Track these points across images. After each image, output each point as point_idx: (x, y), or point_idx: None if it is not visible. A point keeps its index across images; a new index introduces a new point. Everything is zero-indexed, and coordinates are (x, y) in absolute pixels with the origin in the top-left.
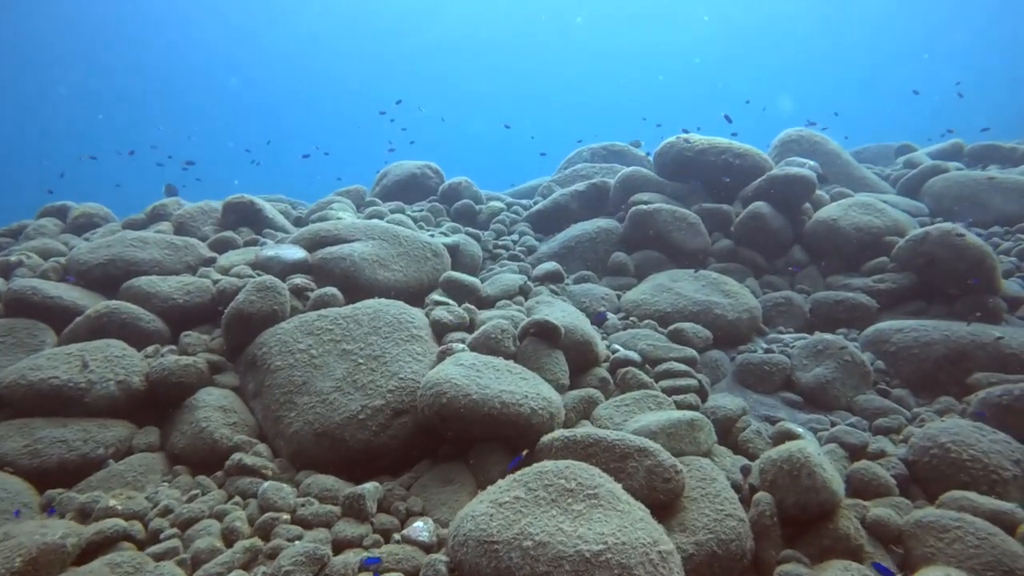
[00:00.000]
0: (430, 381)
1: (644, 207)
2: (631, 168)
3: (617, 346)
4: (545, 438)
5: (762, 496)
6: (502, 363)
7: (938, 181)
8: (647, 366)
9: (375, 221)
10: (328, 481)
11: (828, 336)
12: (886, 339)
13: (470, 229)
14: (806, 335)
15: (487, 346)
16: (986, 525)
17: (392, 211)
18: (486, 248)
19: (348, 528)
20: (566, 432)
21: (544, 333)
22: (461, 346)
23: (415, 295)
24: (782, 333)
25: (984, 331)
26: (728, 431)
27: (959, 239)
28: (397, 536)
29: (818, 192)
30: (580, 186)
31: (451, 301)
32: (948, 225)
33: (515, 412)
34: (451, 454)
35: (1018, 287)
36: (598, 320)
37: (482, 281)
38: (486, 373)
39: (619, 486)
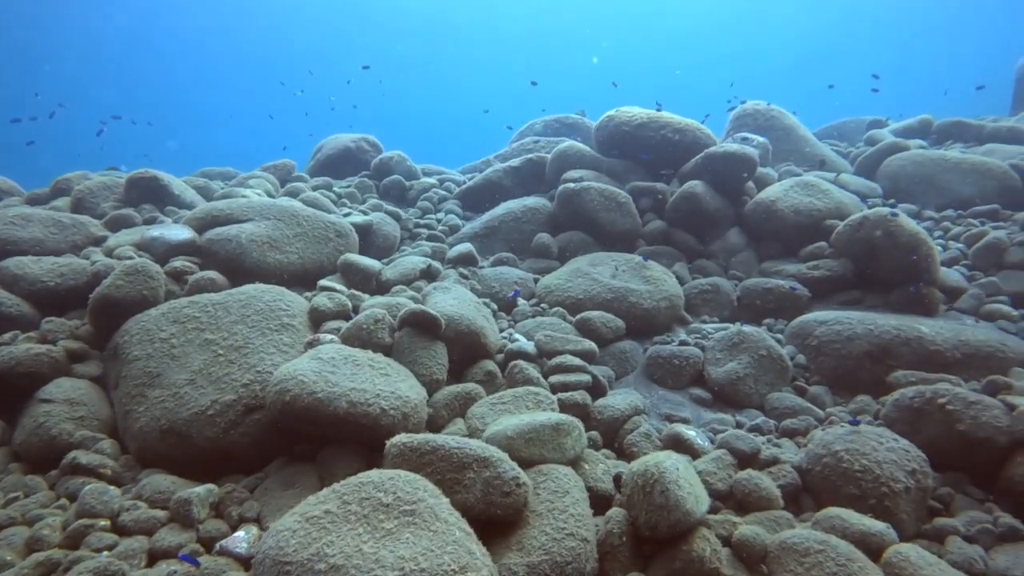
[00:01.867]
0: (277, 377)
1: (571, 185)
2: (566, 143)
3: (519, 336)
4: (387, 443)
5: (614, 513)
6: (365, 357)
7: (894, 161)
8: (543, 359)
9: (275, 200)
10: (165, 482)
11: (747, 328)
12: (809, 332)
13: (389, 207)
14: (729, 325)
15: (359, 337)
16: (849, 550)
17: (316, 187)
18: (406, 227)
19: (170, 536)
20: (403, 438)
21: (422, 323)
22: (330, 337)
23: (314, 279)
24: (705, 323)
25: (910, 325)
26: (615, 433)
27: (893, 224)
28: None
29: (764, 171)
30: (515, 162)
31: (339, 287)
32: (885, 209)
33: (362, 412)
34: (307, 453)
35: (959, 276)
36: (509, 304)
37: (392, 263)
38: (342, 369)
39: (446, 501)
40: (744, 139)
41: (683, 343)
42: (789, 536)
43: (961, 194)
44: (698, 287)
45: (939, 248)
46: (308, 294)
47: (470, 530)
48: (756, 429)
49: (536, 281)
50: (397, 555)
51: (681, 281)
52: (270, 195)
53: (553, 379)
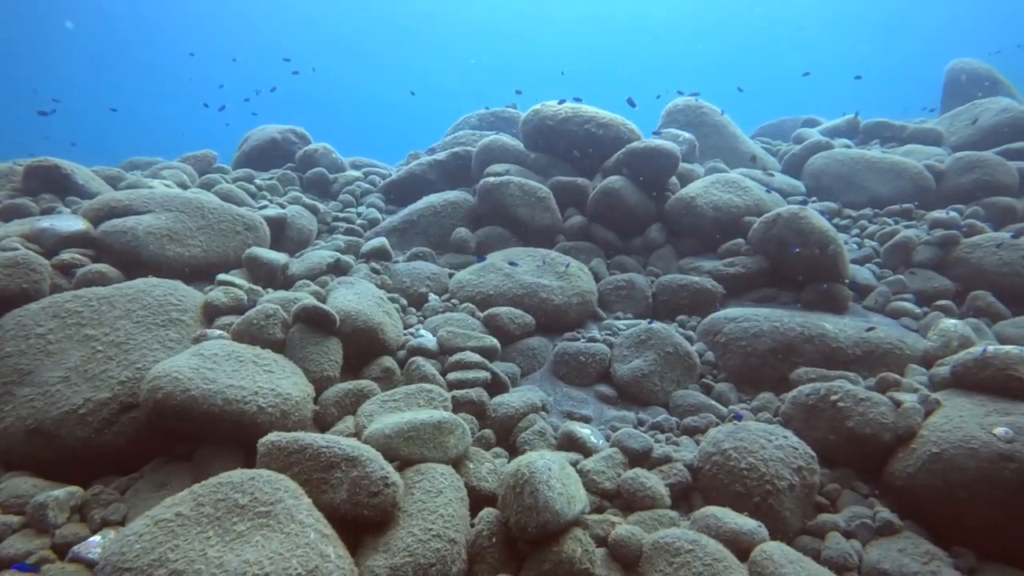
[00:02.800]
0: (152, 374)
1: (491, 180)
2: (491, 136)
3: (424, 332)
4: (259, 443)
5: (485, 514)
6: (251, 353)
7: (818, 159)
8: (444, 356)
9: (180, 191)
10: (25, 486)
11: (655, 325)
12: (718, 329)
13: (308, 200)
14: (642, 322)
15: (249, 333)
16: (717, 548)
17: (236, 179)
18: (324, 221)
19: (20, 543)
20: (273, 437)
21: (314, 319)
22: (219, 333)
23: (220, 273)
24: (619, 319)
25: (815, 323)
26: (509, 431)
27: (803, 222)
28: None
29: (689, 167)
30: (441, 155)
31: (239, 281)
32: (797, 207)
33: (237, 410)
34: (186, 453)
35: (869, 274)
36: (420, 299)
37: (301, 258)
38: (223, 365)
39: (306, 502)
40: (672, 135)
41: (592, 340)
42: (662, 536)
43: (879, 193)
44: (613, 283)
45: (854, 246)
46: (208, 288)
47: (329, 532)
48: (657, 427)
49: (451, 276)
50: (243, 559)
51: (598, 277)
52: (184, 186)
53: (451, 376)
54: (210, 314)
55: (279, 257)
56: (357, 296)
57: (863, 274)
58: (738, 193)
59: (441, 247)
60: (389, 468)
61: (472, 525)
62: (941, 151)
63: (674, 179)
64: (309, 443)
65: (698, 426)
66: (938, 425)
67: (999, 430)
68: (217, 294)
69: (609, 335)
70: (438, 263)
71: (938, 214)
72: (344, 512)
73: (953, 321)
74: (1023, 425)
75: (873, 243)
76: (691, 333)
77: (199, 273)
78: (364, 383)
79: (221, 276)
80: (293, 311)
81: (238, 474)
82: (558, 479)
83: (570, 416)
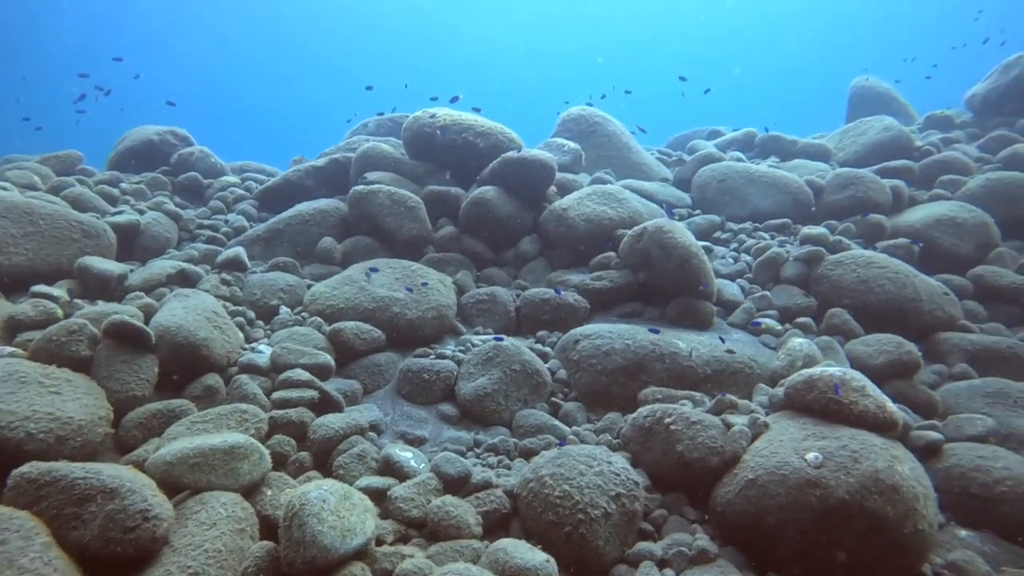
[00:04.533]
0: None
1: (360, 188)
2: (370, 143)
3: (262, 348)
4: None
5: (257, 548)
6: (38, 373)
7: (705, 172)
8: (275, 373)
9: (3, 195)
10: None
11: (505, 341)
12: (572, 346)
13: (170, 206)
14: (500, 337)
15: (47, 351)
16: None
17: (100, 182)
18: (187, 228)
19: None
20: (25, 468)
21: (124, 335)
22: (9, 351)
23: (51, 283)
24: (479, 334)
25: (668, 341)
26: (328, 454)
27: (667, 236)
28: None
29: (573, 177)
30: (320, 161)
31: (57, 292)
32: (662, 221)
33: (1, 437)
34: None
35: (736, 289)
36: (270, 312)
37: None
38: (1, 386)
39: (41, 542)
40: (557, 145)
41: (441, 356)
42: (446, 571)
43: (760, 207)
44: (475, 297)
45: (731, 260)
46: (21, 300)
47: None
48: (492, 449)
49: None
50: None
51: (464, 290)
52: (32, 188)
53: (276, 395)
54: (12, 329)
55: (114, 267)
56: (185, 310)
57: (730, 289)
58: (613, 205)
59: (308, 257)
60: (154, 500)
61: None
62: (826, 167)
63: (554, 190)
64: (64, 474)
65: (535, 448)
66: (759, 450)
67: (810, 455)
68: (24, 307)
69: (462, 351)
70: (301, 274)
71: (808, 230)
72: (95, 550)
73: (800, 340)
74: (833, 451)
75: (748, 258)
76: (548, 350)
77: (22, 282)
78: (177, 403)
79: (36, 288)
80: (102, 327)
81: None
82: (333, 511)
83: (403, 437)
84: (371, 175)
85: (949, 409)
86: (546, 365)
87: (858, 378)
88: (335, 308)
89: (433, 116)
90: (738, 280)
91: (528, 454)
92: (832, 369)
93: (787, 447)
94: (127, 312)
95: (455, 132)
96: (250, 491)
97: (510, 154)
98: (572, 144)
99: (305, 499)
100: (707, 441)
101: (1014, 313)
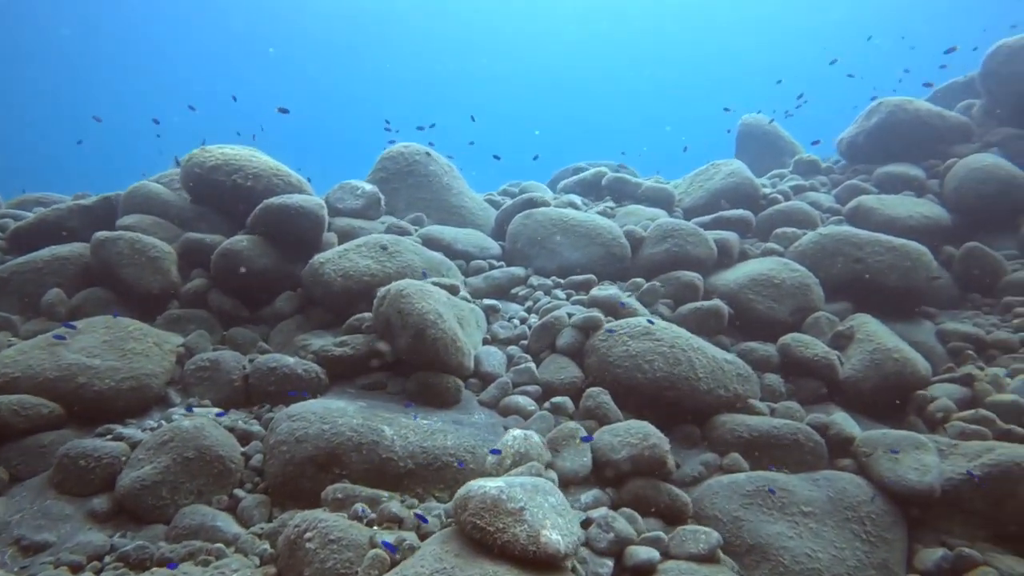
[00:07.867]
0: None
1: (100, 234)
2: (138, 184)
3: None
4: None
5: None
6: None
7: (517, 220)
8: None
9: None
10: None
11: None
12: (274, 428)
13: None
14: (222, 411)
15: None
16: None
17: None
18: None
19: None
20: None
21: None
22: None
23: None
24: (192, 407)
25: (373, 427)
26: None
27: (404, 302)
28: None
29: (362, 225)
30: (88, 200)
31: None
32: (405, 283)
33: None
34: None
35: (500, 360)
36: None
37: None
38: None
39: None
40: (351, 188)
41: (118, 437)
42: None
43: (569, 260)
44: (196, 363)
45: (517, 322)
46: None
47: None
48: (124, 558)
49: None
50: None
51: (194, 353)
52: None
53: None
54: None
55: None
56: None
57: (492, 360)
58: (382, 259)
59: (36, 311)
60: None
61: None
62: (662, 213)
63: (332, 238)
64: None
65: (172, 559)
66: None
67: None
68: None
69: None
70: (20, 331)
71: (597, 291)
72: None
73: (516, 432)
74: None
75: (536, 319)
76: (261, 429)
77: None
78: None
79: None
80: None
81: None
82: None
83: (18, 543)
84: (128, 219)
85: (703, 511)
86: (245, 448)
87: (519, 498)
88: (9, 377)
89: (205, 156)
90: (511, 347)
91: (163, 564)
92: (490, 484)
93: None
94: None
95: (225, 173)
96: None
97: (271, 200)
98: (368, 187)
99: None
100: (338, 567)
101: (815, 389)
